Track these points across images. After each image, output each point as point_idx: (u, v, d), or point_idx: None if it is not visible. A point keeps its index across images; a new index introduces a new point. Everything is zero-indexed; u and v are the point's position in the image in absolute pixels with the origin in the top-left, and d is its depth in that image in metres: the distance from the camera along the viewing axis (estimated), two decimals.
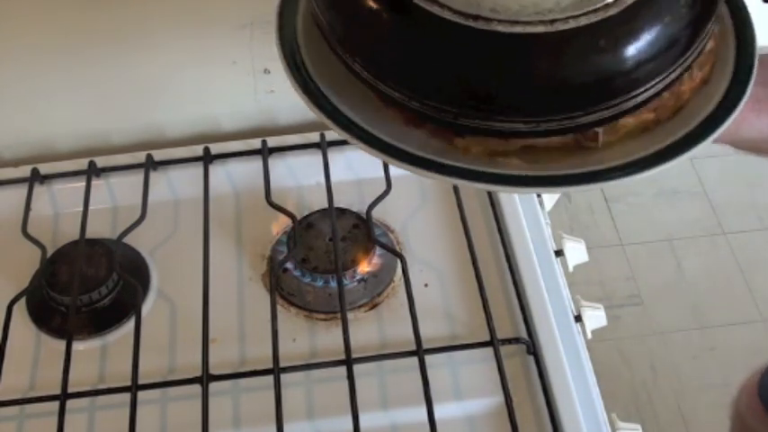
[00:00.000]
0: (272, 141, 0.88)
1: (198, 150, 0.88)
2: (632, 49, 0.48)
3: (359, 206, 0.84)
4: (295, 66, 0.58)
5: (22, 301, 0.78)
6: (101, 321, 0.78)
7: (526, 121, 0.49)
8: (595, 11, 0.48)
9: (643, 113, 0.53)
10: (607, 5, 0.48)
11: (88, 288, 0.78)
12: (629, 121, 0.52)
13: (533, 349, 0.73)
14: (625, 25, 0.48)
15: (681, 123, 0.54)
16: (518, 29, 0.47)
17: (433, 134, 0.51)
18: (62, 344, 0.73)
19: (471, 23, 0.47)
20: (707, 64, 0.57)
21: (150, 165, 0.87)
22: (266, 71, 0.90)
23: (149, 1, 0.81)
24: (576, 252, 0.82)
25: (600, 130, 0.51)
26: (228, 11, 0.84)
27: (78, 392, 0.71)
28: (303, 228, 0.82)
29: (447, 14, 0.47)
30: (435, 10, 0.48)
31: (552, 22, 0.47)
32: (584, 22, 0.47)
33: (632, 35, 0.48)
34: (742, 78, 0.55)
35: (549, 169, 0.51)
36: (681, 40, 0.51)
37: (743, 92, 0.54)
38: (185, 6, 0.83)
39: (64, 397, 0.70)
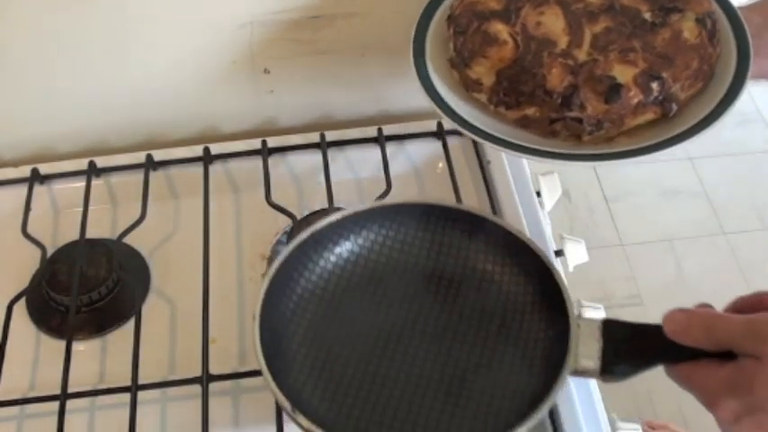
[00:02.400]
0: (272, 141, 0.88)
1: (198, 150, 0.88)
2: None
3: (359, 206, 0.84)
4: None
5: (22, 301, 0.78)
6: (101, 321, 0.78)
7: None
8: None
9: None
10: None
11: (88, 288, 0.78)
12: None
13: None
14: None
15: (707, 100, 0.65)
16: None
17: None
18: (62, 344, 0.73)
19: None
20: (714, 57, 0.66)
21: (150, 165, 0.87)
22: (266, 71, 0.90)
23: (149, 1, 0.81)
24: (576, 252, 0.82)
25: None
26: (228, 11, 0.84)
27: (78, 392, 0.71)
28: (303, 227, 0.82)
29: None
30: None
31: None
32: None
33: None
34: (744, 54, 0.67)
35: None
36: None
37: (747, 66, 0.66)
38: (185, 6, 0.82)
39: (64, 397, 0.70)
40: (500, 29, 0.69)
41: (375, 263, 0.64)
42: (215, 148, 0.88)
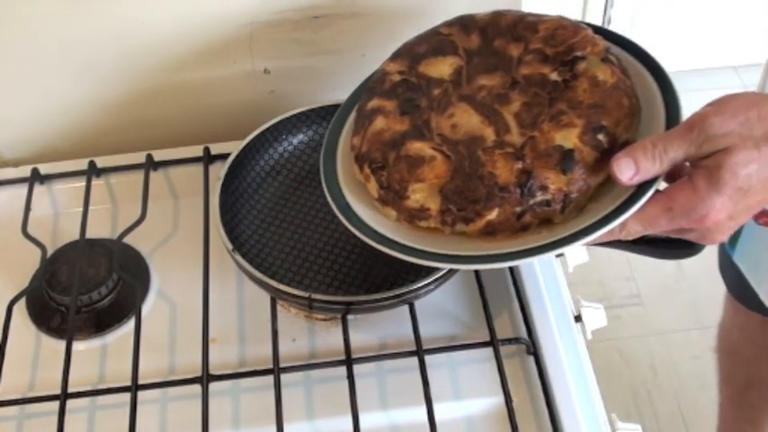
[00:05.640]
0: None
1: (198, 150, 0.88)
2: None
3: None
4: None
5: (22, 301, 0.78)
6: (101, 321, 0.78)
7: None
8: None
9: None
10: None
11: (88, 288, 0.78)
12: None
13: (533, 349, 0.73)
14: None
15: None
16: None
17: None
18: (62, 344, 0.73)
19: None
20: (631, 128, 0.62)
21: (150, 165, 0.87)
22: (266, 71, 0.90)
23: (149, 1, 0.81)
24: (576, 252, 0.82)
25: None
26: (228, 11, 0.84)
27: (78, 392, 0.71)
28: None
29: None
30: None
31: None
32: None
33: None
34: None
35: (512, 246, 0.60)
36: None
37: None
38: (185, 6, 0.83)
39: (64, 397, 0.70)
40: (420, 147, 0.63)
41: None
42: (215, 148, 0.88)
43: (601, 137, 0.60)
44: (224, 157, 0.86)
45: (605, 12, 2.13)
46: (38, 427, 0.72)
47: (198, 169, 0.86)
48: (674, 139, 0.55)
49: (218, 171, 0.79)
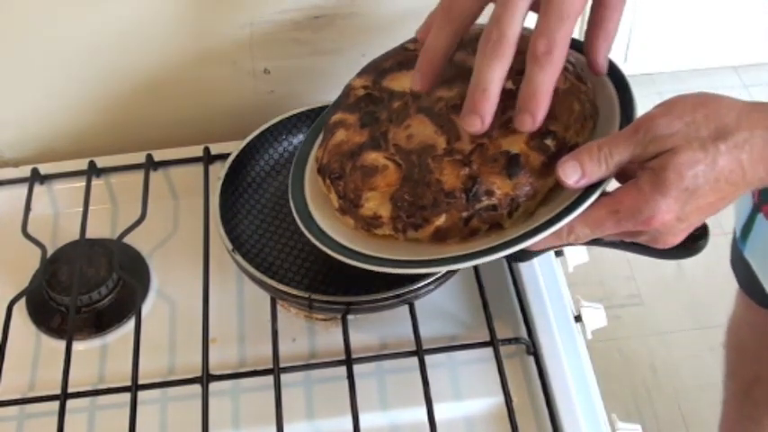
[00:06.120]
0: None
1: (198, 150, 0.88)
2: None
3: None
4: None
5: (22, 301, 0.78)
6: (101, 321, 0.78)
7: None
8: None
9: None
10: None
11: (88, 288, 0.78)
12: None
13: (533, 349, 0.73)
14: None
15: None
16: None
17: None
18: (62, 344, 0.73)
19: None
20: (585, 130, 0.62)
21: (150, 165, 0.87)
22: (266, 71, 0.90)
23: (149, 1, 0.81)
24: (576, 252, 0.82)
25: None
26: (228, 11, 0.84)
27: (78, 392, 0.71)
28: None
29: None
30: None
31: None
32: None
33: None
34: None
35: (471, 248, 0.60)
36: None
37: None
38: (185, 6, 0.83)
39: (64, 397, 0.70)
40: (375, 157, 0.64)
41: None
42: (215, 148, 0.88)
43: (548, 141, 0.60)
44: (224, 157, 0.86)
45: None
46: (38, 427, 0.72)
47: (198, 169, 0.86)
48: (620, 141, 0.54)
49: (218, 171, 0.79)
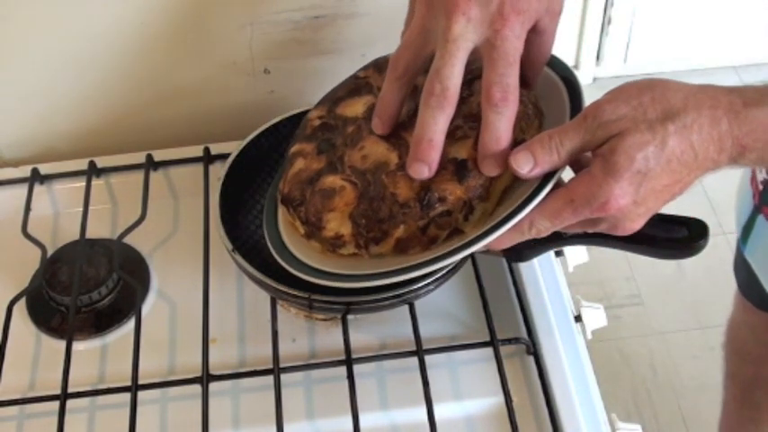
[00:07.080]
0: None
1: (198, 150, 0.88)
2: None
3: None
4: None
5: (22, 301, 0.78)
6: (101, 321, 0.78)
7: None
8: None
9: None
10: None
11: (88, 288, 0.78)
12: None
13: (533, 349, 0.73)
14: None
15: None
16: None
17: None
18: (62, 344, 0.74)
19: None
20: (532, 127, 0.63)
21: (150, 165, 0.87)
22: (266, 71, 0.90)
23: (149, 1, 0.81)
24: (576, 252, 0.82)
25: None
26: (228, 11, 0.84)
27: (78, 392, 0.71)
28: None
29: None
30: None
31: None
32: None
33: None
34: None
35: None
36: None
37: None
38: (185, 6, 0.83)
39: (64, 397, 0.70)
40: (332, 179, 0.66)
41: None
42: (215, 148, 0.88)
43: None
44: (224, 157, 0.86)
45: (605, 12, 2.13)
46: (38, 427, 0.72)
47: (198, 169, 0.87)
48: (570, 129, 0.55)
49: (218, 171, 0.79)
